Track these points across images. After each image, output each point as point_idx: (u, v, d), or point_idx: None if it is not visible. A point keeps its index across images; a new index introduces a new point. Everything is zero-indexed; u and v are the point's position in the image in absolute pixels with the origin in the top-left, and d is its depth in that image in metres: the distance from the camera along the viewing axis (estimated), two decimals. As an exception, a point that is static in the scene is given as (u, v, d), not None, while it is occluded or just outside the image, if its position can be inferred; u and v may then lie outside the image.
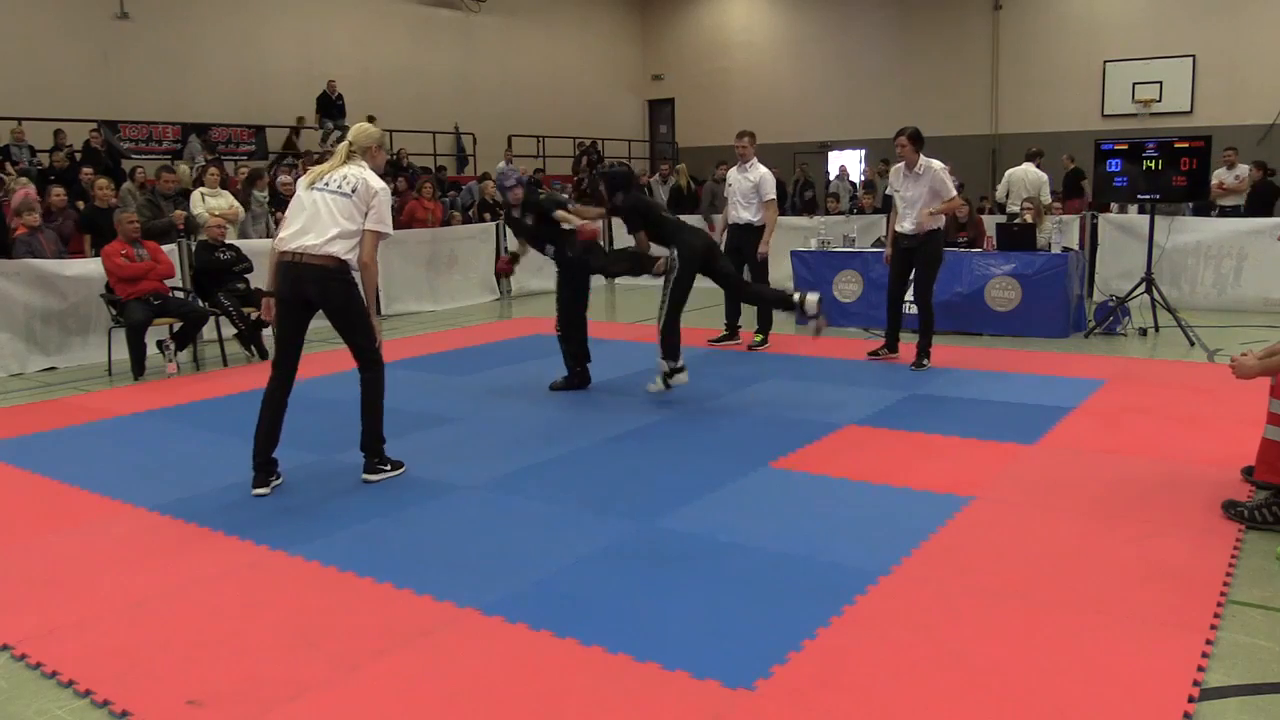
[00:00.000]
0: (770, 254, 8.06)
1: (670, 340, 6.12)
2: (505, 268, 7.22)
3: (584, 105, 22.19)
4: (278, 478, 4.62)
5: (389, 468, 4.72)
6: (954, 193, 7.07)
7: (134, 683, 2.80)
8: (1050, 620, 3.04)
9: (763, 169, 8.08)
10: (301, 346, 4.56)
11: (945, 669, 2.75)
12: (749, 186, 8.02)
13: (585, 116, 21.92)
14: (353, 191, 4.40)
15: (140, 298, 7.47)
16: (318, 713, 2.62)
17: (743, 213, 8.08)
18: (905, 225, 7.07)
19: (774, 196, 8.07)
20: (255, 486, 4.50)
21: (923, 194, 6.97)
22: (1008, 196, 11.54)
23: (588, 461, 4.95)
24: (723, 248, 8.04)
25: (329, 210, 4.37)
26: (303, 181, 4.56)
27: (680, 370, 6.18)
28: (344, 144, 4.55)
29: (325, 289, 4.38)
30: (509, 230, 8.22)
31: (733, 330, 8.37)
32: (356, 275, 4.47)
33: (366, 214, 4.41)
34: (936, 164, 7.03)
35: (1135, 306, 8.54)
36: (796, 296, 6.22)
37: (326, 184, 4.42)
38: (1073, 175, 14.88)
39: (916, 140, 6.99)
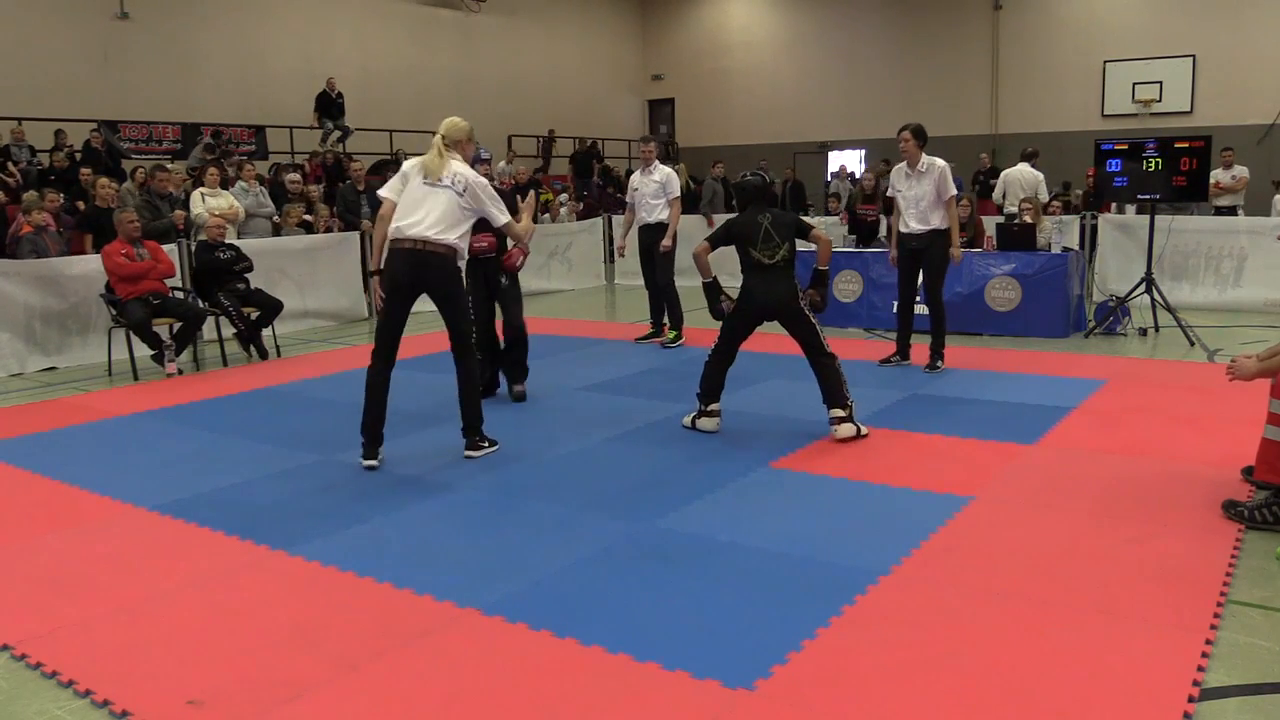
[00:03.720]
0: None
1: (702, 379, 5.44)
2: None
3: (584, 105, 22.18)
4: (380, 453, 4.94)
5: (488, 444, 5.07)
6: (953, 191, 6.88)
7: (134, 683, 2.80)
8: (1050, 620, 3.04)
9: (667, 169, 8.41)
10: (403, 330, 4.90)
11: (945, 669, 2.75)
12: (655, 187, 8.30)
13: (585, 116, 21.92)
14: (464, 190, 4.81)
15: (139, 297, 7.47)
16: (318, 713, 2.62)
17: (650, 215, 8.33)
18: (911, 225, 6.87)
19: (679, 195, 8.40)
20: (364, 458, 4.87)
21: (927, 193, 6.76)
22: (1004, 197, 11.55)
23: (588, 461, 4.95)
24: (637, 250, 8.47)
25: (448, 205, 4.76)
26: (413, 173, 4.86)
27: (706, 416, 5.42)
28: (437, 137, 4.87)
29: (445, 274, 4.80)
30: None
31: (658, 327, 8.61)
32: (462, 264, 4.94)
33: (477, 207, 4.86)
34: (940, 162, 6.82)
35: (1135, 306, 8.54)
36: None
37: (440, 180, 4.79)
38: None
39: (920, 136, 6.78)
